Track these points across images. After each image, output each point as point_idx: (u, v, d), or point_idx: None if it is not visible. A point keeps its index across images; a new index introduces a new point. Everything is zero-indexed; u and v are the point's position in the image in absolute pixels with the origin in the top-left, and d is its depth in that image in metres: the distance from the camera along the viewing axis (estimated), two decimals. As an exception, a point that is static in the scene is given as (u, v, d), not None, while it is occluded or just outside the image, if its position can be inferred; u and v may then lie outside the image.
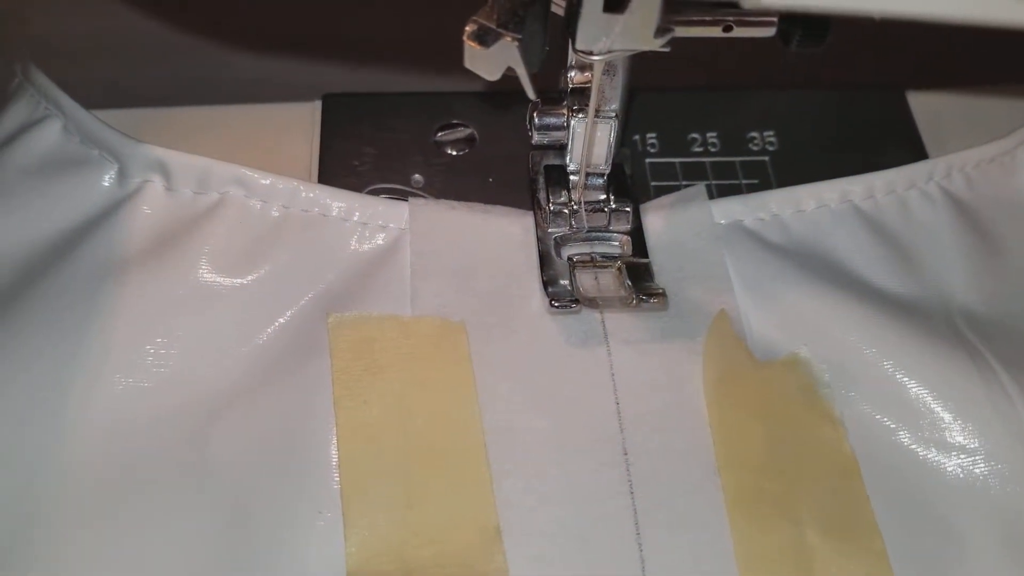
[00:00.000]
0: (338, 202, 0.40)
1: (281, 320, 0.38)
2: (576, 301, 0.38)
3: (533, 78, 0.33)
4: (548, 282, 0.39)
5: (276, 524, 0.34)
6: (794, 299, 0.39)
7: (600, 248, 0.41)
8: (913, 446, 0.37)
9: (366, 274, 0.39)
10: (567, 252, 0.40)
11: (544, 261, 0.40)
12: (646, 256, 0.40)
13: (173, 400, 0.36)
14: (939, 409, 0.37)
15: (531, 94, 0.34)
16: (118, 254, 0.38)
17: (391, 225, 0.40)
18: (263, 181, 0.39)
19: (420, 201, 0.41)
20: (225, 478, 0.35)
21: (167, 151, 0.39)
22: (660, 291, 0.38)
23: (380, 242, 0.40)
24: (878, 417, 0.37)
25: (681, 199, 0.42)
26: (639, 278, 0.39)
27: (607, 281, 0.39)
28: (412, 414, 0.36)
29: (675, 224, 0.41)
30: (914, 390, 0.37)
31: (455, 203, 0.41)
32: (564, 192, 0.41)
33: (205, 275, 0.38)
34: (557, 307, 0.38)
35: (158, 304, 0.37)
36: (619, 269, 0.39)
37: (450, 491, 0.35)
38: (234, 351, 0.37)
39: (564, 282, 0.39)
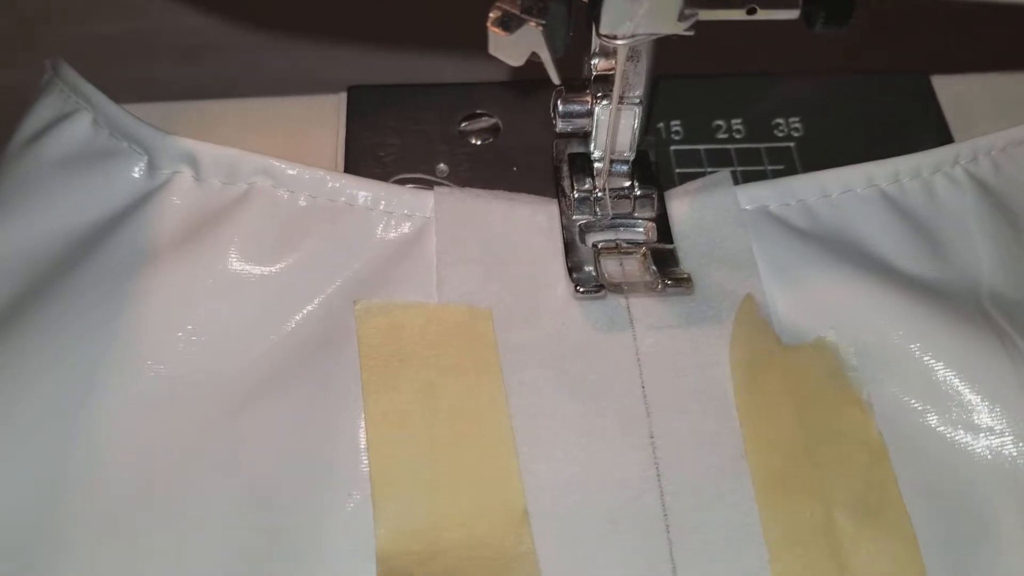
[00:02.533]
0: (364, 191, 0.40)
1: (309, 308, 0.39)
2: (601, 287, 0.38)
3: (557, 64, 0.33)
4: (573, 268, 0.39)
5: (306, 507, 0.35)
6: (821, 283, 0.39)
7: (625, 235, 0.41)
8: (941, 428, 0.37)
9: (392, 262, 0.40)
10: (592, 239, 0.40)
11: (569, 248, 0.40)
12: (671, 242, 0.40)
13: (204, 387, 0.37)
14: (967, 391, 0.37)
15: (555, 79, 0.34)
16: (148, 245, 0.39)
17: (417, 214, 0.40)
18: (290, 171, 0.40)
19: (445, 190, 0.41)
20: (255, 462, 0.35)
21: (196, 142, 0.40)
22: (686, 276, 0.38)
23: (406, 231, 0.40)
24: (906, 400, 0.37)
25: (706, 185, 0.42)
26: (664, 263, 0.39)
27: (632, 267, 0.40)
28: (439, 399, 0.37)
29: (700, 210, 0.41)
30: (942, 372, 0.37)
31: (480, 191, 0.41)
32: (588, 180, 0.41)
33: (234, 264, 0.39)
34: (583, 293, 0.38)
35: (188, 293, 0.38)
36: (644, 255, 0.40)
37: (478, 475, 0.35)
38: (263, 339, 0.38)
39: (589, 268, 0.39)
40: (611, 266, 0.39)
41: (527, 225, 0.41)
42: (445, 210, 0.40)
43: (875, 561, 0.34)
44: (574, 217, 0.41)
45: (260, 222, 0.39)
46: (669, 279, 0.38)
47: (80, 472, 0.35)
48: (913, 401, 0.37)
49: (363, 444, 0.36)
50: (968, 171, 0.43)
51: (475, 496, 0.35)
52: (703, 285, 0.40)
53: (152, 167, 0.40)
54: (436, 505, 0.35)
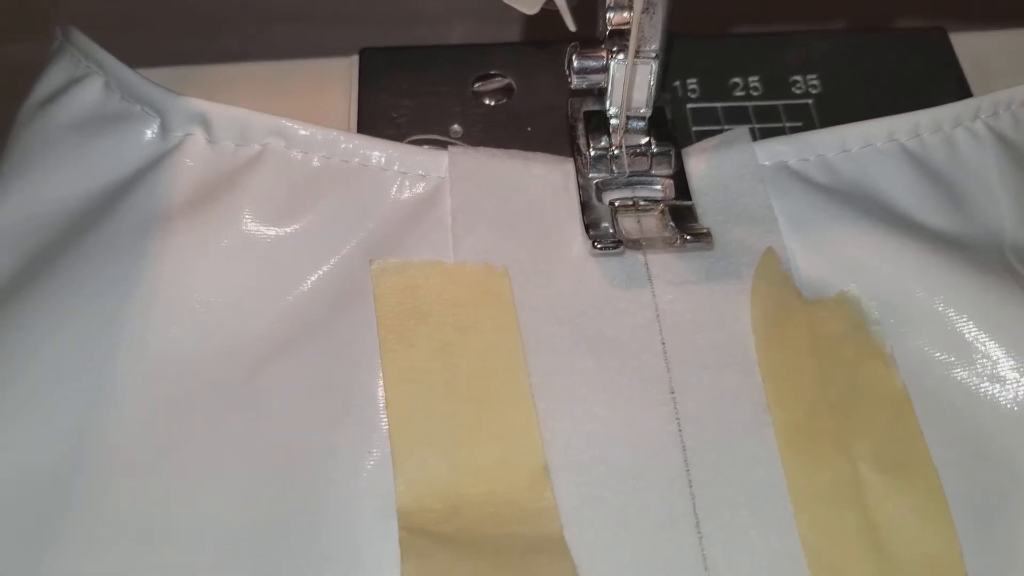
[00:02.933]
0: (377, 152, 0.40)
1: (324, 268, 0.38)
2: (619, 243, 0.38)
3: (573, 12, 0.33)
4: (590, 225, 0.39)
5: (326, 466, 0.34)
6: (841, 238, 0.39)
7: (642, 192, 0.41)
8: (966, 381, 0.36)
9: (407, 223, 0.39)
10: (608, 197, 0.40)
11: (585, 206, 0.39)
12: (689, 199, 0.40)
13: (221, 346, 0.37)
14: (992, 343, 0.36)
15: (571, 26, 0.33)
16: (162, 207, 0.39)
17: (431, 174, 0.40)
18: (303, 132, 0.39)
19: (459, 149, 0.41)
20: (275, 421, 0.35)
21: (208, 103, 0.39)
22: (705, 231, 0.38)
23: (420, 191, 0.40)
24: (930, 353, 0.37)
25: (724, 141, 0.41)
26: (683, 220, 0.39)
27: (650, 223, 0.39)
28: (457, 358, 0.36)
29: (718, 166, 0.41)
30: (966, 325, 0.37)
31: (494, 151, 0.41)
32: (604, 137, 0.41)
33: (248, 226, 0.38)
34: (600, 249, 0.38)
35: (203, 254, 0.38)
36: (662, 211, 0.39)
37: (497, 432, 0.35)
38: (279, 299, 0.38)
39: (606, 225, 0.39)
40: (629, 223, 0.39)
41: (542, 184, 0.40)
42: (460, 170, 0.40)
43: (902, 514, 0.34)
44: (590, 175, 0.40)
45: (273, 183, 0.39)
46: (689, 234, 0.38)
47: (99, 430, 0.35)
48: (937, 354, 0.37)
49: (381, 403, 0.36)
50: (989, 125, 0.42)
51: (495, 453, 0.35)
52: (722, 242, 0.39)
53: (164, 129, 0.40)
54: (456, 462, 0.34)
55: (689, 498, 0.34)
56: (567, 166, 0.41)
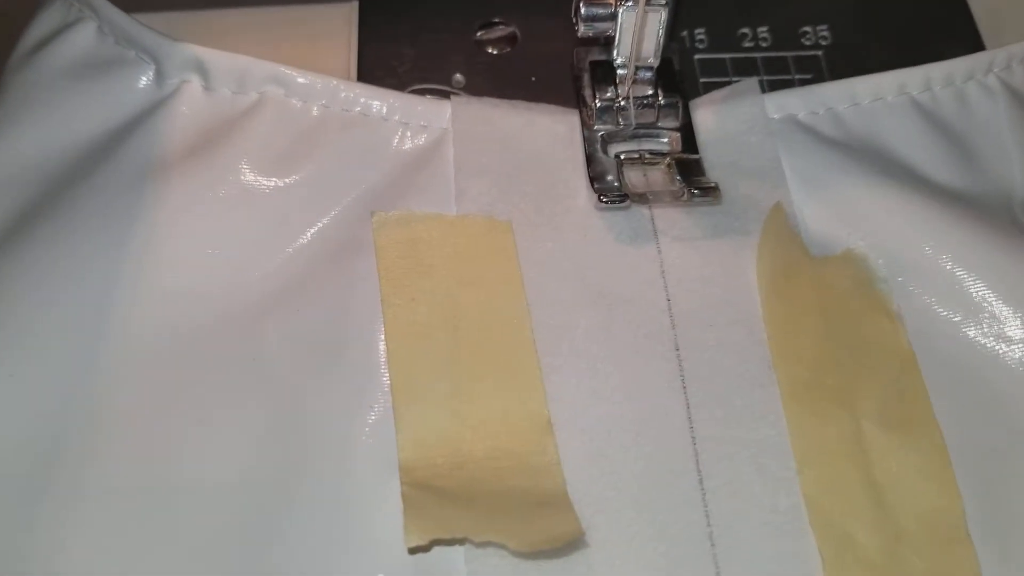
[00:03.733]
0: (378, 101, 0.39)
1: (324, 220, 0.38)
2: (625, 196, 0.37)
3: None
4: (595, 178, 0.38)
5: (328, 420, 0.34)
6: (850, 193, 0.38)
7: (648, 145, 0.40)
8: (973, 339, 0.36)
9: (409, 174, 0.39)
10: (614, 150, 0.39)
11: (590, 159, 0.39)
12: (697, 152, 0.39)
13: (221, 298, 0.36)
14: (1000, 302, 0.36)
15: None
16: (158, 155, 0.38)
17: (433, 124, 0.39)
18: (301, 80, 0.39)
19: (462, 99, 0.40)
20: (276, 373, 0.35)
21: (205, 50, 0.39)
22: (713, 185, 0.37)
23: (422, 142, 0.39)
24: (937, 311, 0.36)
25: (732, 93, 0.40)
26: (690, 173, 0.38)
27: (656, 177, 0.38)
28: (460, 311, 0.36)
29: (727, 119, 0.40)
30: (974, 283, 0.36)
31: (498, 101, 0.40)
32: (611, 88, 0.40)
33: (246, 175, 0.38)
34: (605, 202, 0.37)
35: (201, 204, 0.37)
36: (669, 165, 0.38)
37: (500, 386, 0.35)
38: (278, 250, 0.37)
39: (611, 178, 0.38)
40: (634, 176, 0.38)
41: (547, 135, 0.40)
42: (462, 120, 0.39)
43: (904, 471, 0.34)
44: (596, 127, 0.40)
45: (272, 132, 0.38)
46: (696, 188, 0.37)
47: (104, 379, 0.34)
48: (945, 312, 0.36)
49: (382, 357, 0.35)
50: (1002, 79, 0.41)
51: (498, 407, 0.34)
52: (730, 196, 0.39)
53: (160, 76, 0.39)
54: (458, 417, 0.34)
55: (692, 454, 0.34)
56: (572, 117, 0.40)
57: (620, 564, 0.32)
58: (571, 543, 0.31)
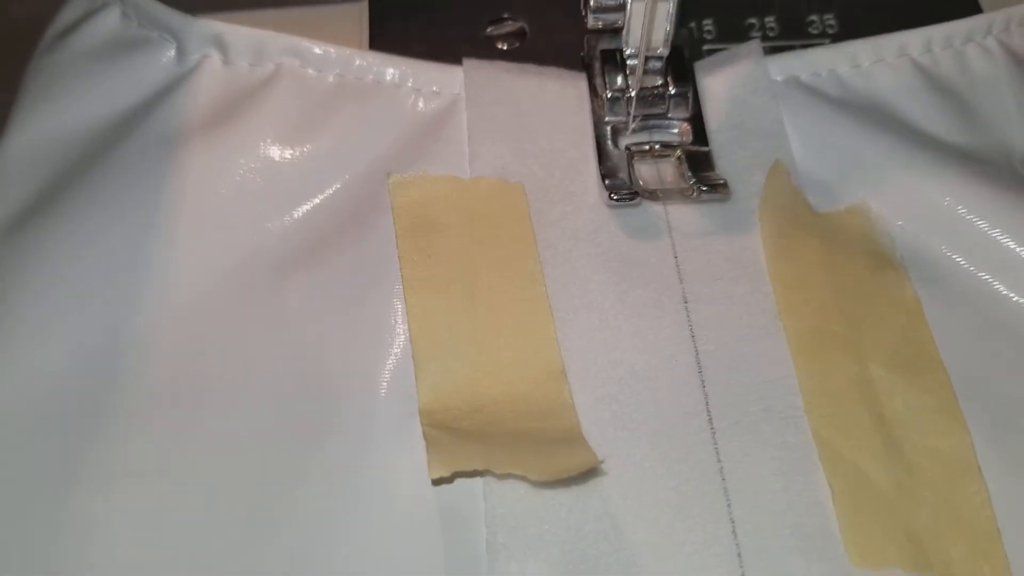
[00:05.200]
0: (392, 68, 0.40)
1: (341, 183, 0.39)
2: (636, 194, 0.38)
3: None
4: (606, 175, 0.39)
5: (346, 370, 0.35)
6: (853, 150, 0.39)
7: (659, 136, 0.40)
8: (979, 285, 0.37)
9: (423, 139, 0.40)
10: (624, 141, 0.40)
11: (601, 151, 0.39)
12: (706, 143, 0.40)
13: (242, 261, 0.37)
14: (1008, 248, 0.37)
15: None
16: (182, 126, 0.39)
17: (445, 90, 0.40)
18: (317, 50, 0.40)
19: (475, 63, 0.41)
20: (299, 329, 0.36)
21: (223, 25, 0.40)
22: (722, 181, 0.38)
23: (435, 107, 0.40)
24: (943, 257, 0.37)
25: (735, 56, 0.41)
26: (699, 168, 0.39)
27: (666, 171, 0.39)
28: (475, 268, 0.37)
29: (730, 81, 0.41)
30: (980, 228, 0.37)
31: (510, 65, 0.41)
32: (621, 78, 0.40)
33: (265, 142, 0.39)
34: (616, 200, 0.38)
35: (222, 172, 0.38)
36: (679, 158, 0.39)
37: (515, 337, 0.35)
38: (297, 213, 0.38)
39: (623, 176, 0.39)
40: (645, 170, 0.39)
41: (557, 100, 0.41)
42: (475, 86, 0.40)
43: (912, 409, 0.34)
44: (606, 118, 0.40)
45: (289, 101, 0.40)
46: (705, 185, 0.38)
47: (132, 340, 0.35)
48: (950, 259, 0.37)
49: (400, 311, 0.36)
50: (1001, 41, 0.42)
51: (513, 356, 0.35)
52: (733, 157, 0.39)
53: (181, 53, 0.41)
54: (476, 365, 0.35)
55: (702, 397, 0.34)
56: (580, 82, 0.41)
57: (634, 499, 0.33)
58: (587, 474, 0.32)
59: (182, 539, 0.32)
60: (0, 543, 0.32)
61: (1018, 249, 0.37)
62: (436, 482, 0.32)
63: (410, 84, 0.40)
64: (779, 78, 0.41)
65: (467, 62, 0.41)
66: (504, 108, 0.40)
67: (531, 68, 0.41)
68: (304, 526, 0.33)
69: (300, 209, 0.38)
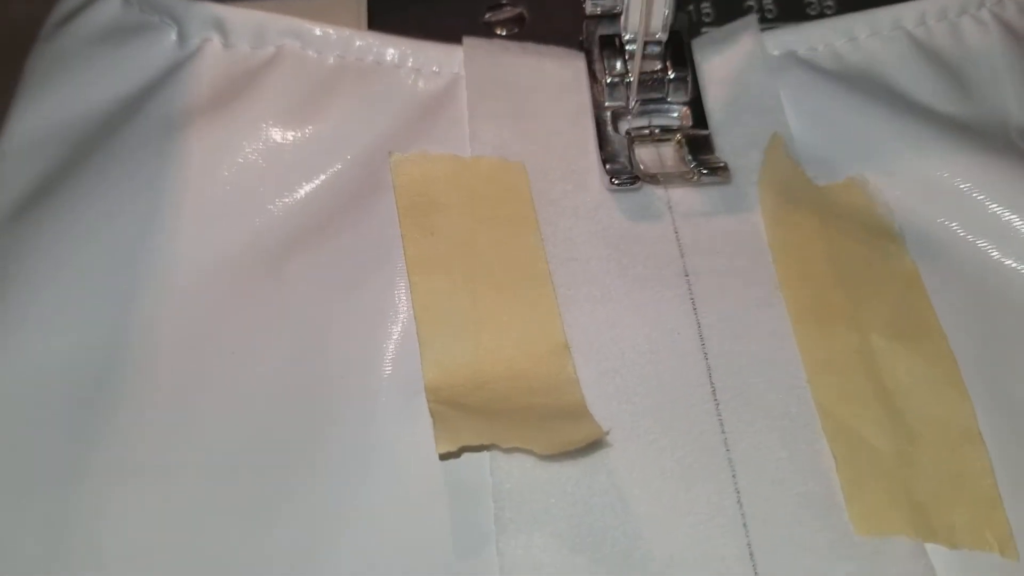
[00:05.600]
0: (392, 49, 0.40)
1: (342, 163, 0.39)
2: (636, 178, 0.38)
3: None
4: (607, 160, 0.39)
5: (349, 349, 0.35)
6: (850, 123, 0.40)
7: (659, 120, 0.40)
8: (977, 256, 0.37)
9: (424, 119, 0.40)
10: (624, 126, 0.40)
11: (601, 136, 0.40)
12: (706, 127, 0.40)
13: (245, 241, 0.37)
14: (1005, 216, 0.37)
15: None
16: (183, 109, 0.39)
17: (445, 70, 0.41)
18: (317, 32, 0.40)
19: (474, 42, 0.41)
20: (302, 309, 0.36)
21: (224, 7, 0.40)
22: (722, 164, 0.38)
23: (435, 87, 0.41)
24: (940, 230, 0.38)
25: (732, 31, 0.42)
26: (699, 151, 0.39)
27: (667, 155, 0.39)
28: (477, 246, 0.37)
29: (727, 57, 0.41)
30: (977, 199, 0.37)
31: (509, 44, 0.41)
32: (620, 63, 0.40)
33: (266, 123, 0.39)
34: (617, 184, 0.38)
35: (224, 155, 0.38)
36: (679, 142, 0.39)
37: (518, 314, 0.36)
38: (299, 194, 0.38)
39: (622, 159, 0.39)
40: (645, 155, 0.39)
41: (556, 79, 0.41)
42: (475, 65, 0.41)
43: (913, 378, 0.35)
44: (606, 103, 0.40)
45: (289, 83, 0.40)
46: (705, 168, 0.38)
47: (137, 324, 0.36)
48: (947, 227, 0.38)
49: (402, 288, 0.36)
50: (994, 12, 0.43)
51: (517, 333, 0.35)
52: (731, 133, 0.40)
53: (182, 37, 0.41)
54: (479, 342, 0.35)
55: (705, 368, 0.35)
56: (579, 62, 0.41)
57: (639, 471, 0.33)
58: (592, 448, 0.33)
59: (187, 525, 0.33)
60: (2, 532, 0.32)
61: (1016, 219, 0.37)
62: (443, 457, 0.33)
63: (410, 64, 0.40)
64: (776, 53, 0.41)
65: (467, 41, 0.41)
66: (504, 87, 0.40)
67: (531, 47, 0.41)
68: (311, 507, 0.33)
69: (302, 190, 0.38)
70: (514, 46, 0.41)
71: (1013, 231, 0.37)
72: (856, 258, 0.37)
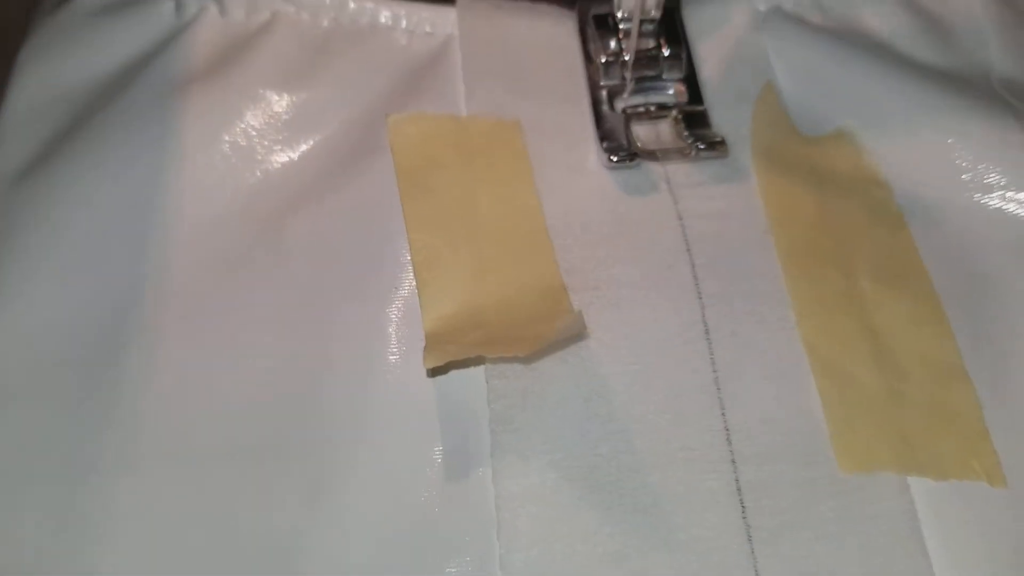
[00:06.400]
0: (385, 11, 0.41)
1: (338, 124, 0.40)
2: (635, 155, 0.39)
3: None
4: (604, 137, 0.39)
5: (353, 302, 0.36)
6: (836, 76, 0.40)
7: (654, 97, 0.41)
8: (962, 202, 0.38)
9: (419, 80, 0.41)
10: (620, 104, 0.41)
11: (598, 115, 0.40)
12: (702, 103, 0.40)
13: (247, 202, 0.38)
14: (985, 162, 0.38)
15: None
16: (181, 78, 0.40)
17: (439, 31, 0.41)
18: None
19: (467, 1, 0.42)
20: (302, 262, 0.37)
21: None
22: (719, 139, 0.39)
23: (430, 48, 0.41)
24: (925, 177, 0.39)
25: None
26: (696, 126, 0.40)
27: (664, 131, 0.40)
28: (475, 202, 0.38)
29: (714, 13, 0.42)
30: (960, 146, 0.38)
31: (501, 3, 0.42)
32: (614, 42, 0.41)
33: (264, 89, 0.40)
34: (615, 162, 0.39)
35: (222, 118, 0.39)
36: (676, 119, 0.40)
37: (517, 264, 0.37)
38: (298, 155, 0.39)
39: (621, 138, 0.39)
40: (643, 132, 0.40)
41: (550, 37, 0.42)
42: (468, 25, 0.41)
43: (899, 318, 0.36)
44: (601, 82, 0.41)
45: (285, 47, 0.41)
46: (703, 143, 0.39)
47: (142, 285, 0.36)
48: (933, 173, 0.39)
49: (402, 247, 0.37)
50: None
51: (515, 281, 0.36)
52: (720, 88, 0.41)
53: (179, 6, 0.41)
54: (478, 291, 0.36)
55: (699, 308, 0.36)
56: (570, 23, 0.42)
57: (632, 405, 0.34)
58: (587, 379, 0.34)
59: (197, 471, 0.33)
60: (21, 479, 0.33)
61: (997, 166, 0.38)
62: (432, 372, 0.34)
63: (404, 26, 0.41)
64: (762, 8, 0.42)
65: (460, 1, 0.42)
66: (498, 46, 0.41)
67: (524, 6, 0.42)
68: (316, 450, 0.34)
69: (300, 152, 0.39)
70: (507, 5, 0.42)
71: (995, 177, 0.38)
72: (843, 204, 0.38)
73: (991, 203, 0.38)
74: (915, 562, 0.31)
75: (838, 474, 0.33)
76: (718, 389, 0.34)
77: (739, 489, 0.33)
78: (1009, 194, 0.38)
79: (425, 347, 0.33)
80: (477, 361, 0.35)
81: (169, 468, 0.33)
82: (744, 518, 0.32)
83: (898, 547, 0.31)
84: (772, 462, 0.33)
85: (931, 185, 0.38)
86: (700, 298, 0.36)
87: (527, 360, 0.34)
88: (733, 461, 0.33)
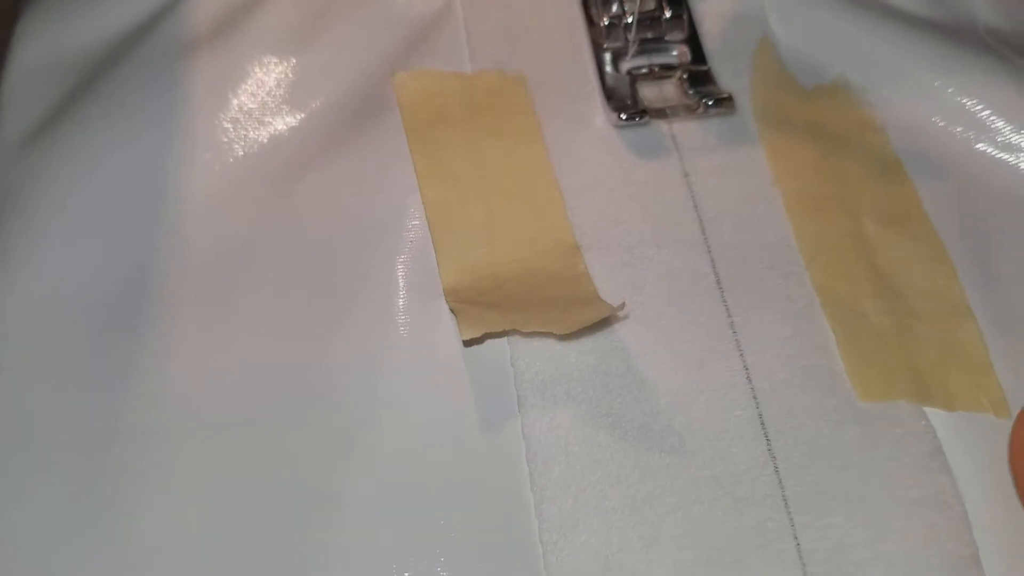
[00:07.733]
0: None
1: (344, 86, 0.40)
2: (644, 112, 0.39)
3: None
4: (610, 97, 0.40)
5: (367, 261, 0.36)
6: (832, 28, 0.42)
7: (658, 59, 0.41)
8: (957, 146, 0.40)
9: (422, 39, 0.41)
10: (625, 66, 0.41)
11: (603, 76, 0.41)
12: (705, 63, 0.41)
13: (257, 164, 0.38)
14: (977, 106, 0.40)
15: None
16: (188, 40, 0.40)
17: None
18: None
19: None
20: (314, 223, 0.37)
21: None
22: (726, 95, 0.40)
23: (433, 7, 0.42)
24: (921, 123, 0.40)
25: None
26: (701, 84, 0.40)
27: (670, 91, 0.41)
28: (484, 157, 0.38)
29: None
30: (951, 91, 0.40)
31: None
32: (616, 5, 0.41)
33: (268, 52, 0.40)
34: (625, 120, 0.39)
35: (227, 81, 0.39)
36: (680, 79, 0.41)
37: (529, 218, 0.37)
38: (305, 116, 0.39)
39: (627, 100, 0.40)
40: (649, 92, 0.41)
41: (550, 1, 0.42)
42: None
43: (904, 258, 0.37)
44: (605, 45, 0.41)
45: (289, 10, 0.41)
46: (710, 99, 0.39)
47: (154, 243, 0.37)
48: (929, 121, 0.40)
49: (412, 202, 0.37)
50: None
51: (529, 236, 0.37)
52: (718, 43, 0.42)
53: None
54: (492, 245, 0.37)
55: (709, 260, 0.37)
56: None
57: (653, 355, 0.35)
58: (609, 335, 0.35)
59: (227, 424, 0.34)
60: (43, 446, 0.33)
61: (989, 110, 0.39)
62: (468, 343, 0.34)
63: None
64: None
65: None
66: (500, 8, 0.42)
67: None
68: (340, 404, 0.34)
69: (308, 111, 0.39)
70: None
71: (988, 121, 0.39)
72: (844, 152, 0.39)
73: (987, 148, 0.39)
74: (940, 479, 0.32)
75: (858, 404, 0.34)
76: (734, 332, 0.35)
77: (763, 424, 0.33)
78: (1000, 138, 0.39)
79: (457, 320, 0.33)
80: None
81: (191, 434, 0.33)
82: (770, 451, 0.33)
83: (922, 467, 0.32)
84: (793, 396, 0.34)
85: (927, 131, 0.40)
86: (709, 251, 0.37)
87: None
88: (755, 398, 0.34)
